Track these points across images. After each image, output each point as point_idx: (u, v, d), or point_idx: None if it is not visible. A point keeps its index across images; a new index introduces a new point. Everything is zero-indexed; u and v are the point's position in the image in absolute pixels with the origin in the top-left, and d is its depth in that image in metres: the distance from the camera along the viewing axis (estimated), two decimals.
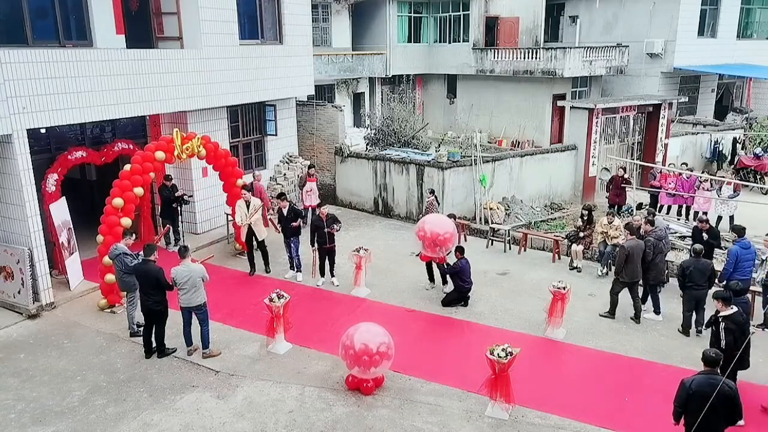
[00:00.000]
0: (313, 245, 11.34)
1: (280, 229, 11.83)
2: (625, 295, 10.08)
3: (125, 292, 9.48)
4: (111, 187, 10.33)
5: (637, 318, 10.08)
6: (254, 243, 11.89)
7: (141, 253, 8.82)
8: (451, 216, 12.07)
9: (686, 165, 17.02)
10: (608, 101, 18.75)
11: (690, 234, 11.92)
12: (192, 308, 8.60)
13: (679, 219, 15.49)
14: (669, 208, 16.10)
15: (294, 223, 11.49)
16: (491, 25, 25.57)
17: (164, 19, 13.28)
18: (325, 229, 11.04)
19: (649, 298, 10.32)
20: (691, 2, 23.43)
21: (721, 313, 7.45)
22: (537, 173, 17.08)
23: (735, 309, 7.49)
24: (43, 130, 10.81)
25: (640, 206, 16.05)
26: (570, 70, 22.23)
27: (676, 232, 13.56)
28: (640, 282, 10.17)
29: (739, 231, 10.01)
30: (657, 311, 10.20)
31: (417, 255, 11.92)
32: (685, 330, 9.61)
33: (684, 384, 6.18)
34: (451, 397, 7.93)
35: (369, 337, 7.69)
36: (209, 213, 14.27)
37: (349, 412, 7.60)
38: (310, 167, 14.94)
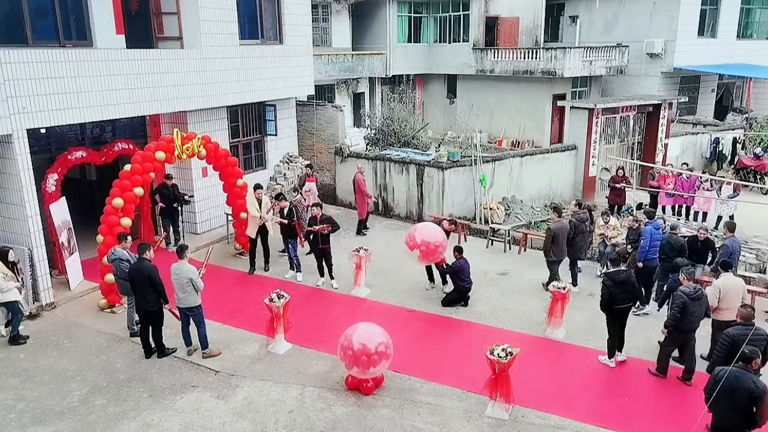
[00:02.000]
0: (306, 238, 11.35)
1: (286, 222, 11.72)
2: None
3: (125, 295, 9.49)
4: (111, 187, 10.34)
5: (546, 287, 10.78)
6: (258, 240, 11.92)
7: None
8: (451, 220, 12.13)
9: (687, 165, 17.01)
10: (608, 101, 18.76)
11: (691, 234, 11.92)
12: (185, 309, 8.58)
13: (678, 219, 15.49)
14: (672, 208, 16.10)
15: (280, 220, 11.47)
16: (491, 25, 25.56)
17: (164, 19, 13.28)
18: (308, 227, 11.03)
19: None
20: (691, 2, 23.43)
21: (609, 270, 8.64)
22: (537, 173, 17.09)
23: (618, 269, 8.55)
24: (43, 130, 10.81)
25: (640, 206, 16.05)
26: (570, 70, 22.23)
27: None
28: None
29: (650, 214, 11.33)
30: (574, 283, 11.24)
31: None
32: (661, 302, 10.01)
33: (714, 372, 6.37)
34: (451, 397, 7.94)
35: (367, 337, 7.69)
36: (209, 213, 14.26)
37: (349, 412, 7.60)
38: (307, 167, 14.93)
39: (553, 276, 10.85)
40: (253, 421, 7.40)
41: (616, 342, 8.72)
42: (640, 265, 10.44)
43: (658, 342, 8.92)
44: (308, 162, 15.81)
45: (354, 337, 7.68)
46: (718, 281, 8.47)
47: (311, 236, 11.11)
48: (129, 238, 9.51)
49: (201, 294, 8.60)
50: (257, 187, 12.15)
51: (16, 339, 9.25)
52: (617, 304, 8.46)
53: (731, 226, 10.37)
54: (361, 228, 14.68)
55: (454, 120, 25.16)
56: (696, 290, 7.97)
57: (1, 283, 8.93)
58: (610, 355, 8.75)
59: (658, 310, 9.55)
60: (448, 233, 11.50)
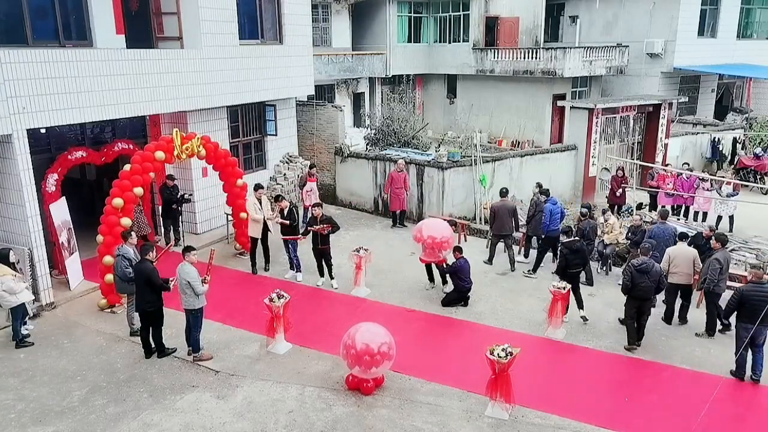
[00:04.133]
0: (306, 234, 11.34)
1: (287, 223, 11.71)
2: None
3: (123, 294, 9.49)
4: (111, 187, 10.33)
5: (512, 266, 12.32)
6: (259, 240, 11.93)
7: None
8: (451, 221, 12.20)
9: (687, 165, 17.00)
10: (608, 101, 18.75)
11: (693, 234, 11.98)
12: (186, 310, 8.58)
13: (678, 219, 15.48)
14: (672, 208, 16.06)
15: (281, 220, 11.49)
16: (491, 25, 25.56)
17: (164, 19, 13.28)
18: (310, 228, 11.02)
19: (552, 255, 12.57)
20: (691, 2, 23.42)
21: (562, 240, 10.40)
22: (537, 173, 17.04)
23: (573, 239, 10.21)
24: (43, 130, 10.80)
25: (639, 206, 16.06)
26: (570, 70, 22.22)
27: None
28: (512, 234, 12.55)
29: (546, 192, 12.56)
30: (526, 255, 12.93)
31: (412, 253, 12.01)
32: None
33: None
34: (451, 397, 7.94)
35: (370, 336, 7.69)
36: (209, 213, 14.26)
37: (349, 412, 7.60)
38: (310, 167, 14.93)
39: (492, 252, 12.50)
40: (253, 421, 7.40)
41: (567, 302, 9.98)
42: (543, 236, 12.15)
43: (619, 319, 9.92)
44: (311, 162, 15.80)
45: (357, 337, 7.68)
46: (670, 249, 9.99)
47: (310, 234, 11.12)
48: (133, 234, 9.51)
49: (205, 296, 8.59)
50: (258, 187, 12.13)
51: (23, 340, 9.23)
52: (571, 268, 10.03)
53: (663, 214, 11.52)
54: (402, 220, 15.30)
55: (454, 120, 25.14)
56: (643, 263, 8.95)
57: (14, 284, 8.89)
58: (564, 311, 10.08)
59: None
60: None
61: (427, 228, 10.77)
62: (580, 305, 10.23)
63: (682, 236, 10.27)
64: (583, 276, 10.87)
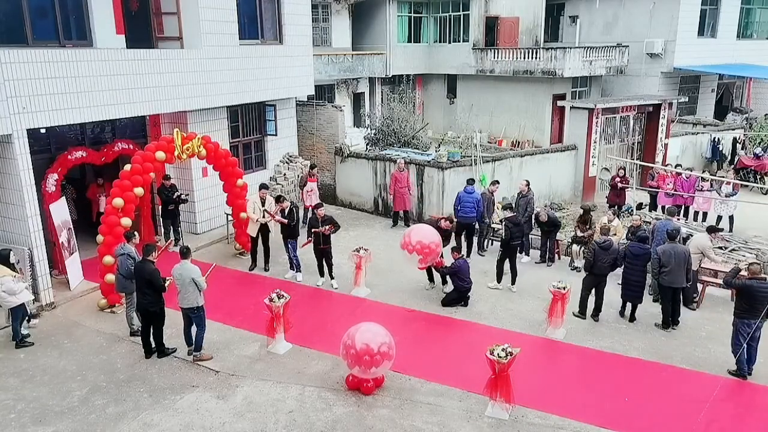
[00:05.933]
0: (309, 235, 11.32)
1: (286, 222, 11.71)
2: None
3: (122, 293, 9.50)
4: (111, 187, 10.34)
5: (468, 252, 12.87)
6: (259, 239, 11.96)
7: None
8: (449, 218, 12.17)
9: (680, 166, 17.01)
10: (608, 101, 18.76)
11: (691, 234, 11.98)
12: (186, 309, 8.57)
13: (678, 219, 15.47)
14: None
15: (281, 219, 11.50)
16: (491, 25, 25.56)
17: (164, 19, 13.27)
18: (313, 229, 11.01)
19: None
20: (691, 2, 23.44)
21: (505, 215, 11.44)
22: (537, 173, 17.07)
23: (514, 214, 11.50)
24: (43, 130, 10.80)
25: (640, 206, 16.05)
26: (570, 70, 22.23)
27: None
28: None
29: (469, 181, 13.15)
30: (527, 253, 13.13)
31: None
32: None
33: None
34: (451, 397, 7.94)
35: (370, 336, 7.68)
36: (209, 213, 14.26)
37: (349, 412, 7.60)
38: (311, 167, 14.93)
39: (460, 244, 12.75)
40: (253, 421, 7.40)
41: (502, 270, 11.30)
42: (455, 220, 12.50)
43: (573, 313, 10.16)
44: (311, 162, 15.80)
45: (357, 337, 7.67)
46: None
47: (312, 235, 11.12)
48: (137, 234, 9.52)
49: (203, 294, 8.60)
50: (262, 186, 12.14)
51: (23, 340, 9.22)
52: (513, 241, 11.19)
53: (671, 211, 12.18)
54: (406, 221, 15.19)
55: (454, 120, 25.15)
56: (605, 241, 9.89)
57: (14, 285, 8.88)
58: (498, 280, 11.34)
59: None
60: (448, 232, 11.51)
61: (416, 234, 10.57)
62: (514, 279, 11.28)
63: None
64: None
